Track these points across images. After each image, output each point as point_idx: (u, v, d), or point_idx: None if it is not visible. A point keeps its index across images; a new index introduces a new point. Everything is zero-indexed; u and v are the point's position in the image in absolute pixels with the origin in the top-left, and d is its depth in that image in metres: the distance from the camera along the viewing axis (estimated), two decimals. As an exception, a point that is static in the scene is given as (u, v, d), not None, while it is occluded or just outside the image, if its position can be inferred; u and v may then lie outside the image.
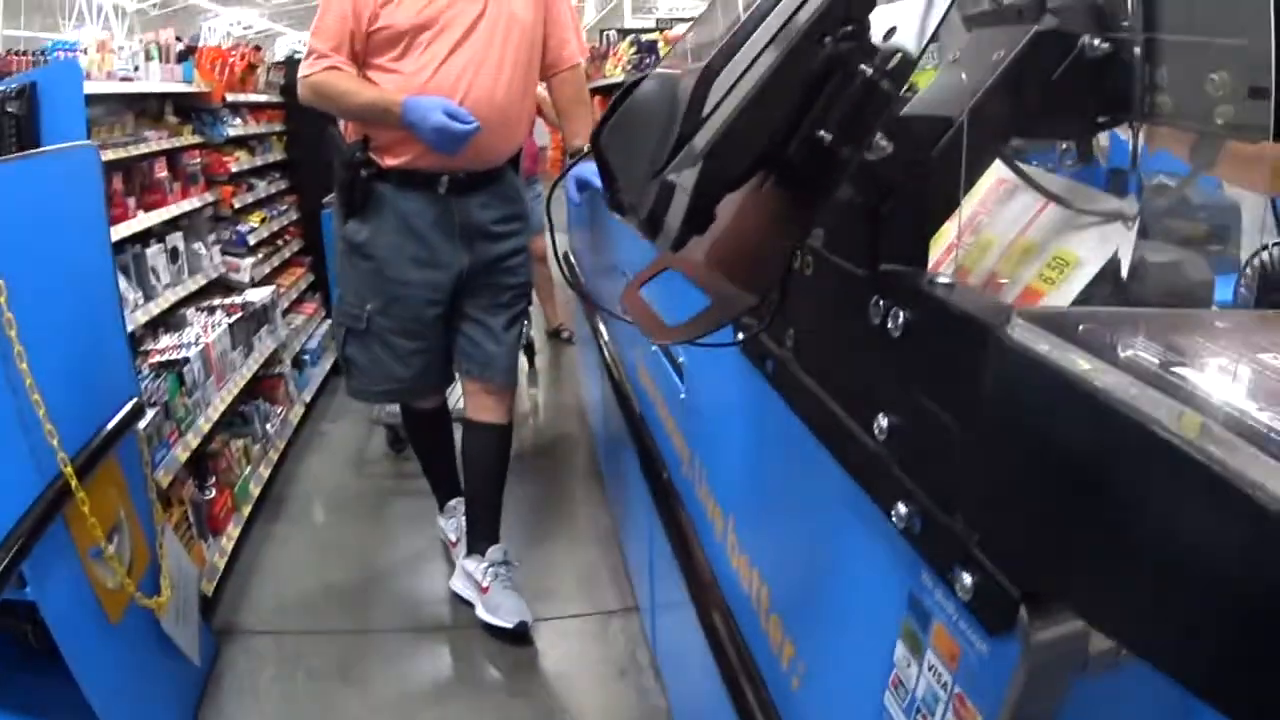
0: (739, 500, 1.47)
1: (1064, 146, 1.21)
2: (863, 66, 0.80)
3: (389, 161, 2.86)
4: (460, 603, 3.34)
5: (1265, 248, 1.19)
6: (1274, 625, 0.45)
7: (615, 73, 7.42)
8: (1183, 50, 0.89)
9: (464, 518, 3.45)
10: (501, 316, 3.12)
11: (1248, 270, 1.20)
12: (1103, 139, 1.23)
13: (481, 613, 3.16)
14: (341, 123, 3.03)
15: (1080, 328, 0.64)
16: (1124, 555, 0.55)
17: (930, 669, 0.82)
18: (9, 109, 2.51)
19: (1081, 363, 0.57)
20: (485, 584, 3.18)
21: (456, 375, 3.30)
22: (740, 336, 1.27)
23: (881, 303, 0.85)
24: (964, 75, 0.98)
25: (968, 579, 0.72)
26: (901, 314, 0.82)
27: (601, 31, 8.31)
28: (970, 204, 1.26)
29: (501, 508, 3.38)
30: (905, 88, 0.85)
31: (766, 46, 0.78)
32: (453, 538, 3.55)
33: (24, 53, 2.89)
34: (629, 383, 2.58)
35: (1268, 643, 0.46)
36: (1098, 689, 0.72)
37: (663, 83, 0.84)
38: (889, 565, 0.88)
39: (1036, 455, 0.62)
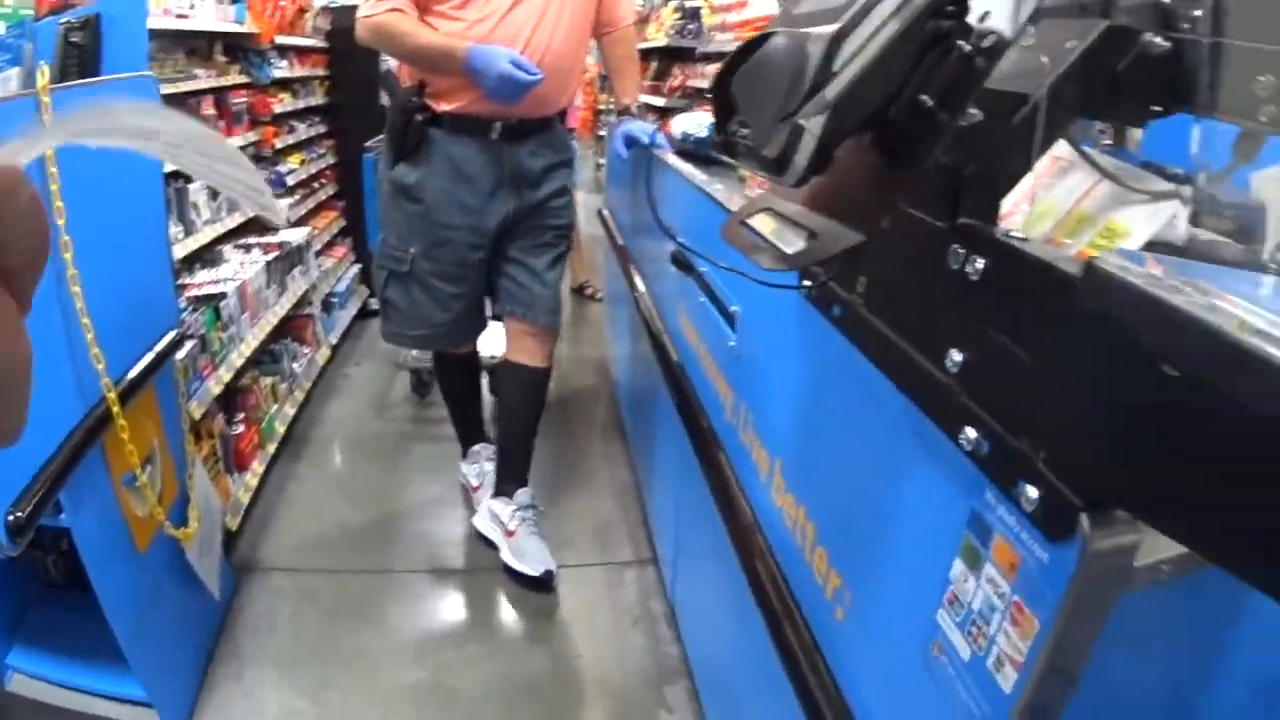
0: (789, 442, 1.57)
1: (1099, 129, 1.30)
2: (961, 43, 0.91)
3: (444, 107, 2.91)
4: (479, 546, 3.41)
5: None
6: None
7: (658, 36, 7.48)
8: (1236, 54, 0.98)
9: (487, 463, 3.54)
10: (545, 256, 3.17)
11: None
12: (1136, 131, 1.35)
13: (507, 556, 3.23)
14: (396, 66, 3.07)
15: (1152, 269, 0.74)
16: (1198, 458, 0.65)
17: (989, 581, 0.92)
18: (73, 39, 2.53)
19: (1160, 287, 0.66)
20: (512, 528, 3.25)
21: (496, 320, 3.36)
22: (808, 284, 1.37)
23: (961, 251, 0.94)
24: (1043, 59, 1.07)
25: (1033, 492, 0.82)
26: (980, 260, 0.92)
27: (642, -6, 8.32)
28: (1029, 177, 1.38)
29: (533, 452, 3.45)
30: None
31: (892, 15, 0.88)
32: (475, 483, 3.63)
33: (85, -20, 2.94)
34: (668, 335, 2.67)
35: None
36: (1141, 605, 0.82)
37: (791, 39, 0.94)
38: (951, 487, 0.98)
39: (1118, 371, 0.72)
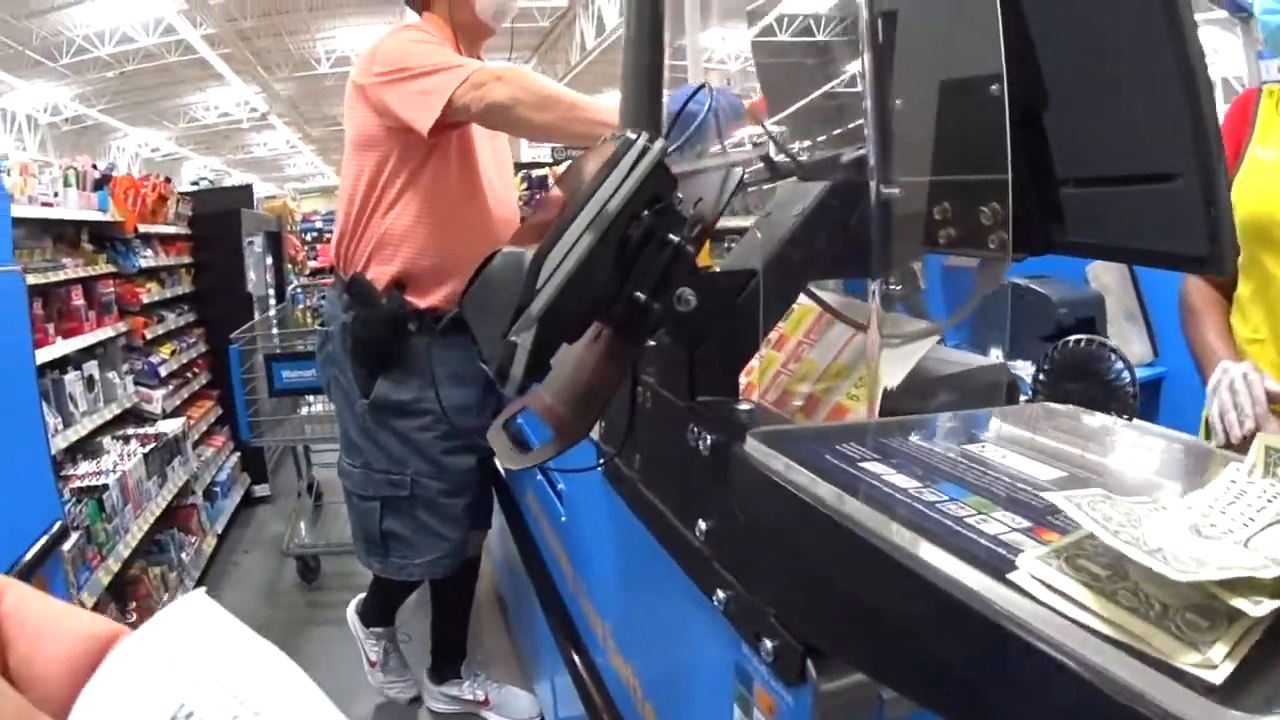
0: (613, 607, 1.64)
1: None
2: (671, 235, 1.01)
3: (426, 303, 2.63)
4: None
5: (1055, 347, 1.37)
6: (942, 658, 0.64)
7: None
8: (958, 187, 1.09)
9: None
10: None
11: (1045, 364, 1.38)
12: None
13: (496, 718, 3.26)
14: (371, 271, 2.67)
15: (802, 442, 0.83)
16: (856, 621, 0.74)
17: (759, 726, 1.00)
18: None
19: (792, 470, 0.76)
20: (484, 695, 3.29)
21: None
22: (601, 462, 1.46)
23: (695, 428, 1.04)
24: (767, 230, 1.18)
25: (769, 644, 0.91)
26: (709, 437, 1.01)
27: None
28: (796, 336, 1.48)
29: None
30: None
31: (586, 228, 0.98)
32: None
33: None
34: (523, 513, 2.73)
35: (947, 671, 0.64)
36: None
37: (509, 259, 1.03)
38: (720, 643, 1.06)
39: (776, 546, 0.82)
